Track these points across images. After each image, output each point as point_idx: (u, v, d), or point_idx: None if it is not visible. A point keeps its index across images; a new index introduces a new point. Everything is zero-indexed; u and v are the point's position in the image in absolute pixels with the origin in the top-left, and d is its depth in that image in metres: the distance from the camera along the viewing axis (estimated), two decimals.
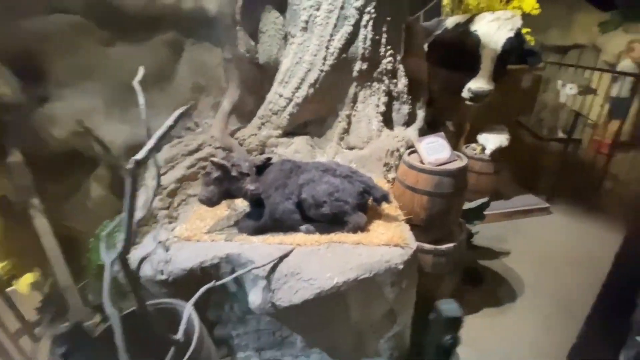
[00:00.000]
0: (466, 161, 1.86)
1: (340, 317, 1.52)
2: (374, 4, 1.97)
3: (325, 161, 1.77)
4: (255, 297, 1.42)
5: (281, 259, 1.43)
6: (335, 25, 1.97)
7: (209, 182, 1.53)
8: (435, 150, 1.87)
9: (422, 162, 1.84)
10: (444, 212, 1.84)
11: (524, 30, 4.87)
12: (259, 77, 2.26)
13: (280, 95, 2.11)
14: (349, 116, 2.24)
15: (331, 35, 1.98)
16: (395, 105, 2.35)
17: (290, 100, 2.09)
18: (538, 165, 3.76)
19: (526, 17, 5.06)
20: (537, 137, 3.56)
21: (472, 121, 3.68)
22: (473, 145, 3.16)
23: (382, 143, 2.16)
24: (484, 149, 3.04)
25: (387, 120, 2.38)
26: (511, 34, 2.53)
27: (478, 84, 2.55)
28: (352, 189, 1.59)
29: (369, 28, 2.02)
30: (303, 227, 1.62)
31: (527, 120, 4.04)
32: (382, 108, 2.26)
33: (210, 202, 1.55)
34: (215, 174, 1.51)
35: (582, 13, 6.44)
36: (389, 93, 2.29)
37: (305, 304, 1.37)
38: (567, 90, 3.25)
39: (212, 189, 1.54)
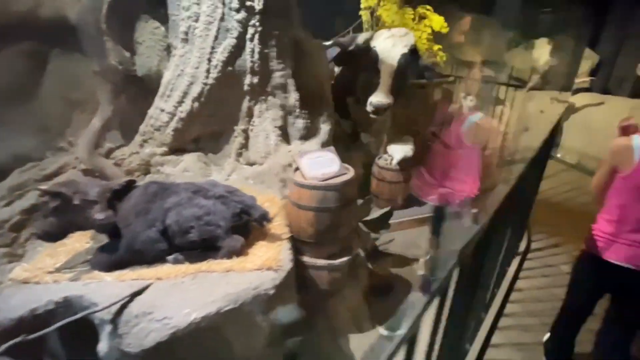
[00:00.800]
0: (353, 174, 1.86)
1: (221, 353, 1.38)
2: (258, 17, 1.92)
3: (200, 181, 1.64)
4: (102, 345, 1.23)
5: (132, 297, 1.26)
6: (217, 38, 1.88)
7: (47, 213, 1.31)
8: (321, 164, 1.85)
9: (305, 177, 1.80)
10: (333, 226, 1.81)
11: (435, 47, 5.26)
12: (141, 90, 2.08)
13: (162, 110, 1.95)
14: (245, 131, 2.15)
15: (212, 48, 1.89)
16: (290, 119, 2.32)
17: (173, 115, 1.94)
18: None
19: (445, 36, 5.48)
20: (446, 146, 3.81)
21: (389, 132, 3.83)
22: (385, 156, 3.27)
23: (279, 158, 2.10)
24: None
25: (284, 135, 2.34)
26: (405, 50, 2.67)
27: (377, 97, 2.64)
28: (225, 211, 1.48)
29: (256, 41, 1.97)
30: (171, 258, 1.46)
31: (439, 130, 4.32)
32: (280, 122, 2.21)
33: (49, 236, 1.33)
34: (53, 203, 1.30)
35: (490, 32, 7.24)
36: (283, 107, 2.25)
37: (160, 347, 1.21)
38: (467, 102, 3.54)
39: (51, 221, 1.32)
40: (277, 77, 2.14)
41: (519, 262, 2.71)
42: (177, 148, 2.05)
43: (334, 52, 2.98)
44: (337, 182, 1.76)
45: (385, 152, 3.41)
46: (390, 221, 2.84)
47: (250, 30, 1.93)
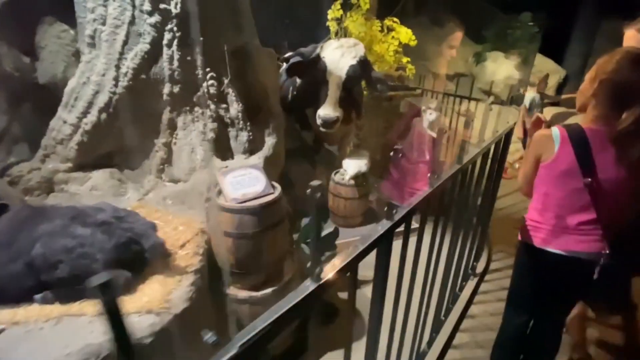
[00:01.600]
0: (277, 194, 1.68)
1: None
2: (175, 21, 1.75)
3: (84, 205, 1.42)
4: None
5: None
6: (126, 43, 1.69)
7: None
8: (244, 184, 1.66)
9: (225, 198, 1.61)
10: (255, 254, 1.62)
11: (404, 60, 5.21)
12: (49, 100, 1.86)
13: (65, 122, 1.74)
14: (167, 144, 1.95)
15: (121, 54, 1.70)
16: (232, 132, 2.13)
17: (77, 127, 1.73)
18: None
19: (414, 48, 5.43)
20: (409, 161, 3.70)
21: (350, 145, 3.69)
22: (342, 170, 3.11)
23: (206, 175, 1.90)
24: None
25: (224, 149, 2.15)
26: (354, 62, 2.54)
27: (325, 110, 2.48)
28: (106, 241, 1.27)
29: (174, 47, 1.79)
30: (38, 297, 1.23)
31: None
32: (211, 135, 2.02)
33: None
34: None
35: (462, 46, 7.32)
36: (219, 119, 2.06)
37: None
38: (428, 116, 3.44)
39: None
40: (207, 87, 1.96)
41: (475, 284, 2.56)
42: (86, 164, 1.83)
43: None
44: (255, 205, 1.57)
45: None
46: (340, 241, 2.67)
47: (167, 36, 1.75)
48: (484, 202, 2.56)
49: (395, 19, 4.99)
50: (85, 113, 1.72)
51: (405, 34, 4.90)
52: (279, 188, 1.75)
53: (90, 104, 1.71)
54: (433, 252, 1.59)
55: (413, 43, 4.99)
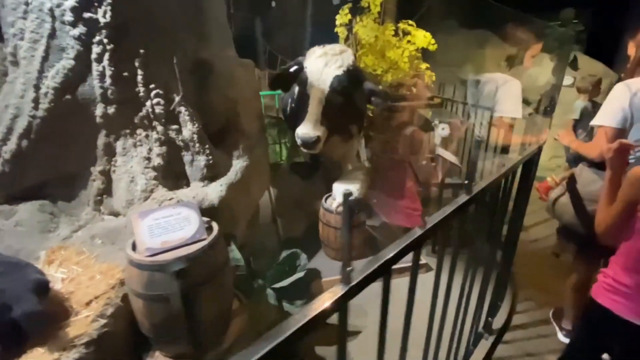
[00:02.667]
0: (211, 239, 1.33)
1: None
2: (105, 32, 1.49)
3: None
4: None
5: None
6: (46, 59, 1.47)
7: None
8: (168, 228, 1.34)
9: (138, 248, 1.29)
10: (174, 319, 1.28)
11: (423, 66, 4.72)
12: None
13: None
14: (105, 172, 1.70)
15: (40, 72, 1.47)
16: (186, 156, 1.85)
17: None
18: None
19: (442, 53, 4.96)
20: (418, 182, 3.20)
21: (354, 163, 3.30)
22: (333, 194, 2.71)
23: (147, 208, 1.61)
24: None
25: (178, 176, 1.87)
26: (339, 72, 2.16)
27: (303, 129, 2.12)
28: None
29: (106, 63, 1.53)
30: None
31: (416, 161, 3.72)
32: (158, 161, 1.74)
33: None
34: None
35: (491, 47, 6.62)
36: (169, 142, 1.78)
37: None
38: (440, 131, 2.95)
39: None
40: (151, 106, 1.69)
41: (489, 347, 2.02)
42: (13, 196, 1.62)
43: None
44: (167, 260, 1.23)
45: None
46: (328, 278, 2.27)
47: (96, 49, 1.49)
48: (508, 234, 2.05)
49: (410, 22, 4.54)
50: (4, 140, 1.51)
51: (423, 38, 4.43)
52: (215, 231, 1.40)
53: (9, 130, 1.51)
54: (437, 302, 1.27)
55: (433, 47, 4.51)
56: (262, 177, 2.50)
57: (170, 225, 1.34)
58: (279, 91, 3.15)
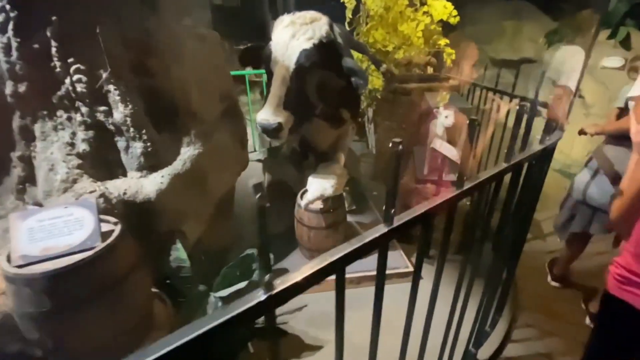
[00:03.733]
0: (96, 251, 1.11)
1: None
2: None
3: None
4: None
5: None
6: None
7: None
8: (53, 231, 1.13)
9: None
10: (54, 340, 1.09)
11: (442, 42, 4.16)
12: None
13: None
14: (25, 159, 1.53)
15: None
16: (120, 142, 1.63)
17: None
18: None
19: (473, 30, 4.38)
20: (415, 179, 2.80)
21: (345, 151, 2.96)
22: None
23: (68, 201, 1.43)
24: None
25: (111, 165, 1.66)
26: (308, 45, 1.80)
27: (262, 114, 1.80)
28: None
29: (10, 34, 1.31)
30: None
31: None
32: (84, 147, 1.54)
33: None
34: None
35: (530, 23, 5.73)
36: (98, 126, 1.57)
37: None
38: (443, 119, 2.51)
39: None
40: (70, 84, 1.46)
41: None
42: None
43: None
44: (35, 273, 1.02)
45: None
46: None
47: None
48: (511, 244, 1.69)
49: None
50: None
51: (442, 9, 3.88)
52: (114, 236, 1.18)
53: None
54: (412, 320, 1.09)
55: (454, 20, 3.94)
56: (228, 166, 2.26)
57: (57, 228, 1.13)
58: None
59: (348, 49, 2.27)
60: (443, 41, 4.04)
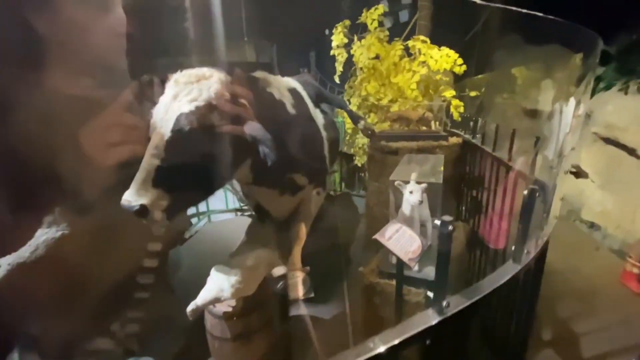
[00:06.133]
0: None
1: None
2: None
3: None
4: None
5: None
6: None
7: None
8: None
9: None
10: None
11: (448, 94, 3.70)
12: None
13: None
14: None
15: None
16: None
17: None
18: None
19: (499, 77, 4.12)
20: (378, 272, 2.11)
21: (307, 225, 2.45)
22: None
23: None
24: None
25: None
26: (190, 108, 1.40)
27: (127, 194, 1.38)
28: None
29: None
30: None
31: None
32: None
33: None
34: None
35: (562, 69, 4.92)
36: None
37: None
38: (407, 196, 1.86)
39: None
40: None
41: None
42: None
43: None
44: None
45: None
46: None
47: None
48: None
49: (424, 38, 3.59)
50: None
51: (444, 58, 3.43)
52: None
53: None
54: None
55: (459, 69, 3.47)
56: (116, 249, 1.84)
57: None
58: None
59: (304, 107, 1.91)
60: (449, 93, 3.54)
